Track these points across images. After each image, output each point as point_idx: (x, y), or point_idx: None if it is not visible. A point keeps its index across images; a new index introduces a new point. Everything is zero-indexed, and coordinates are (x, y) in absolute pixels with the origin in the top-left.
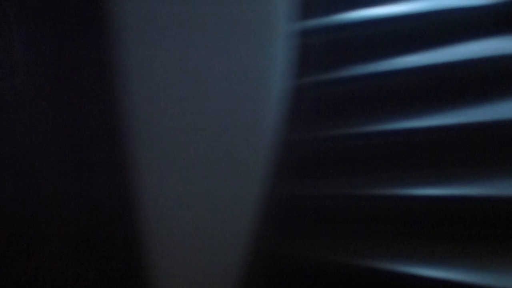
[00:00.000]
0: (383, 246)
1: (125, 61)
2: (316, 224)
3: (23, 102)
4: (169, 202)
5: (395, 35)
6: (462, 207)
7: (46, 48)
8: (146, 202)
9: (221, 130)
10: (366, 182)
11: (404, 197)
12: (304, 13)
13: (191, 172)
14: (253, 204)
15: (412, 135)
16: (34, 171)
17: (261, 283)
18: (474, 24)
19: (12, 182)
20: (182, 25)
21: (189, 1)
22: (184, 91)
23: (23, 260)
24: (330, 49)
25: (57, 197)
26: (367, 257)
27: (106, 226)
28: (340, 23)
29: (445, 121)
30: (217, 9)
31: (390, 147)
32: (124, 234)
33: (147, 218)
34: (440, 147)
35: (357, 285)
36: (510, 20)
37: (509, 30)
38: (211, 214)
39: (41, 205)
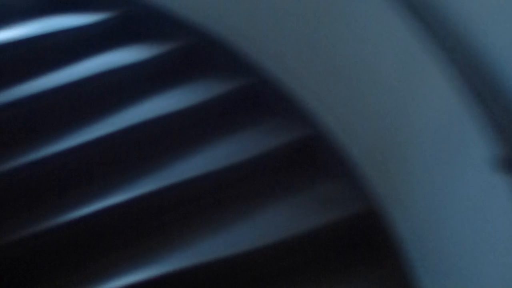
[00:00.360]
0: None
1: None
2: None
3: None
4: None
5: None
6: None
7: None
8: None
9: None
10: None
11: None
12: None
13: None
14: None
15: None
16: None
17: None
18: (89, 41)
19: None
20: None
21: None
22: None
23: None
24: None
25: None
26: None
27: None
28: None
29: (80, 140)
30: None
31: (47, 173)
32: None
33: None
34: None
35: None
36: (118, 33)
37: (120, 42)
38: None
39: None
